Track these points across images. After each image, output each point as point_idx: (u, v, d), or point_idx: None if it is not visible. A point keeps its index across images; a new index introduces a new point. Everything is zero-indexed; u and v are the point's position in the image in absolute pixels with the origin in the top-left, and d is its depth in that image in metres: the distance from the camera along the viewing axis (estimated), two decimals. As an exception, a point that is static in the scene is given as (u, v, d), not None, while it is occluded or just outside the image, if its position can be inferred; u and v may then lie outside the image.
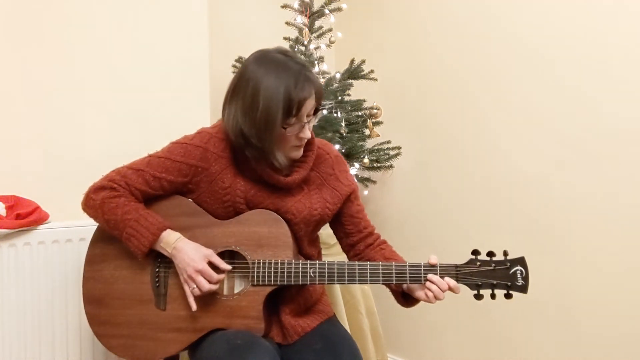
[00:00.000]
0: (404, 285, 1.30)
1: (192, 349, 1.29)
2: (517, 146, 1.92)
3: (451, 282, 1.22)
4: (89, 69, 1.83)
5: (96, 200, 1.30)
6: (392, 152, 2.26)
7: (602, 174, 1.68)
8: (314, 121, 1.30)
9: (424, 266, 1.24)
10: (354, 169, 2.21)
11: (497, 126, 1.98)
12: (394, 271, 1.24)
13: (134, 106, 1.92)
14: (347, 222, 1.43)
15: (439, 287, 1.21)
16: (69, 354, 1.64)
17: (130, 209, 1.27)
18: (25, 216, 1.57)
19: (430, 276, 1.22)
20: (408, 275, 1.24)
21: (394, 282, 1.25)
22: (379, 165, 2.24)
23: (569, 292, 1.77)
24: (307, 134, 1.27)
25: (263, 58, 1.25)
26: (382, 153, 2.24)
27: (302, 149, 1.32)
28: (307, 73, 1.23)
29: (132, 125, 1.90)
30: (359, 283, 1.28)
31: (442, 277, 1.22)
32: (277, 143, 1.26)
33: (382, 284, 1.29)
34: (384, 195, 2.43)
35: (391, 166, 2.27)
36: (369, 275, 1.25)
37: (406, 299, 1.34)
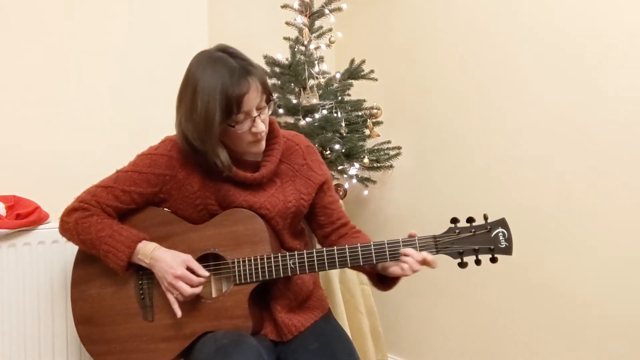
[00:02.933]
0: (379, 266, 1.28)
1: (185, 356, 1.30)
2: (517, 145, 1.91)
3: (428, 256, 1.19)
4: (89, 70, 1.83)
5: (69, 223, 1.31)
6: (392, 152, 2.25)
7: (606, 173, 1.68)
8: (268, 112, 1.27)
9: (403, 241, 1.22)
10: (354, 169, 2.21)
11: (498, 125, 1.98)
12: (372, 250, 1.22)
13: (134, 106, 1.92)
14: (319, 213, 1.41)
15: (413, 258, 1.19)
16: (69, 353, 1.64)
17: (104, 226, 1.28)
18: (25, 216, 1.57)
19: (404, 249, 1.20)
20: (387, 252, 1.22)
21: (374, 261, 1.23)
22: (379, 165, 2.24)
23: (572, 289, 1.77)
24: (260, 127, 1.23)
25: (201, 59, 1.23)
26: (382, 153, 2.24)
27: (263, 142, 1.29)
28: (245, 67, 1.19)
29: (132, 125, 1.90)
30: (339, 267, 1.26)
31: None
32: (226, 142, 1.24)
33: (363, 264, 1.26)
34: (384, 195, 2.43)
35: (391, 166, 2.28)
36: (348, 258, 1.24)
37: (382, 280, 1.33)
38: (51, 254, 1.61)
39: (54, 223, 1.64)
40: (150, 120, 1.92)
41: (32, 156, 1.73)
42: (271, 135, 1.34)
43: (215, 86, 1.16)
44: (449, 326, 2.18)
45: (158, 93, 1.96)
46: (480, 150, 2.04)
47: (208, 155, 1.23)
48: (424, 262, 1.20)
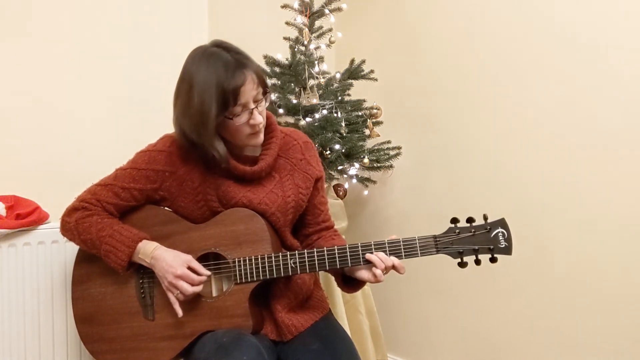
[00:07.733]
0: (346, 269, 1.30)
1: (185, 355, 1.30)
2: (517, 146, 1.91)
3: (395, 260, 1.22)
4: (89, 69, 1.83)
5: (70, 223, 1.32)
6: (392, 152, 2.25)
7: (606, 173, 1.68)
8: (265, 105, 1.27)
9: (403, 241, 1.23)
10: (354, 169, 2.21)
11: (498, 126, 1.98)
12: (373, 250, 1.24)
13: (134, 106, 1.92)
14: (307, 212, 1.42)
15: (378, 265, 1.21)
16: (69, 353, 1.64)
17: (104, 225, 1.28)
18: (25, 216, 1.57)
19: (369, 255, 1.22)
20: (387, 250, 1.23)
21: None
22: (379, 165, 2.23)
23: (573, 289, 1.77)
24: (258, 119, 1.24)
25: (196, 54, 1.24)
26: (382, 153, 2.24)
27: (262, 135, 1.30)
28: (240, 59, 1.20)
29: (132, 125, 1.90)
30: (340, 267, 1.27)
31: (401, 254, 1.22)
32: (225, 136, 1.25)
33: (363, 264, 1.27)
34: (384, 195, 2.43)
35: (391, 166, 2.27)
36: (349, 258, 1.24)
37: (347, 282, 1.35)
38: (51, 254, 1.61)
39: (54, 223, 1.64)
40: (150, 120, 1.92)
41: (32, 156, 1.73)
42: (269, 129, 1.35)
43: (211, 79, 1.18)
44: (449, 326, 2.18)
45: (158, 93, 1.95)
46: (481, 150, 2.04)
47: (205, 148, 1.24)
48: (392, 268, 1.22)
